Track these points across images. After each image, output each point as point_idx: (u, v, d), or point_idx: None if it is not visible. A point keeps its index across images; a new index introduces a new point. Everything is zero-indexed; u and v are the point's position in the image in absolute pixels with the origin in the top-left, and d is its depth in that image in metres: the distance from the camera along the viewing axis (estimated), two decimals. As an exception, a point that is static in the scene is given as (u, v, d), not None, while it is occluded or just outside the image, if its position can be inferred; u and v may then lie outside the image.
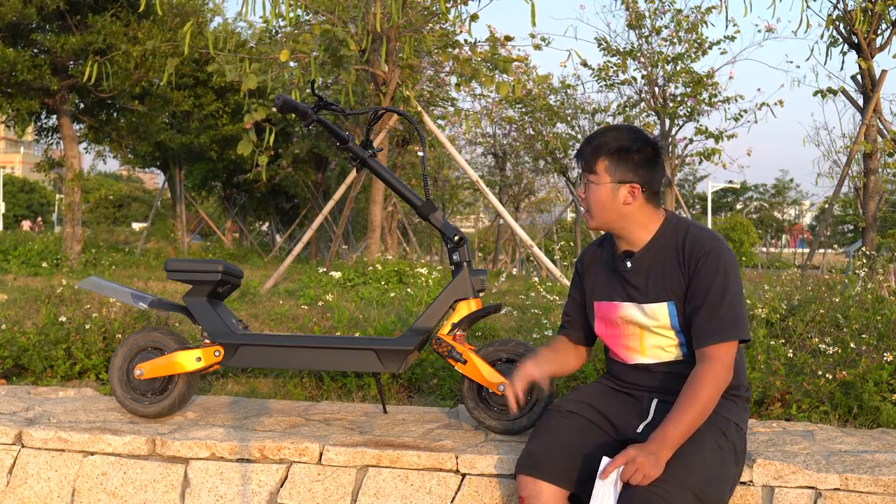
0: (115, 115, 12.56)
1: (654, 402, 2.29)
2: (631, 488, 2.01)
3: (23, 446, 2.86)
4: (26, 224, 32.28)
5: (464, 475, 2.57)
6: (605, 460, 2.08)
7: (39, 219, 39.76)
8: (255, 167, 12.90)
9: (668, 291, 2.24)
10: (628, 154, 2.23)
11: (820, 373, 3.09)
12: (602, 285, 2.39)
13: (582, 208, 2.35)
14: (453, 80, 8.87)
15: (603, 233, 2.43)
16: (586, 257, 2.49)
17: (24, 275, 8.76)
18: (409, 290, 5.92)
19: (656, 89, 10.62)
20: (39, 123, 12.66)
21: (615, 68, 10.73)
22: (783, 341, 3.67)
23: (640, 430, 2.25)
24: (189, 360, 2.91)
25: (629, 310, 2.30)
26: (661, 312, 2.24)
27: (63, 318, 4.05)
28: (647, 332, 2.29)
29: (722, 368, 2.13)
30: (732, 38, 12.01)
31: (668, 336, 2.26)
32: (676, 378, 2.24)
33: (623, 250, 2.32)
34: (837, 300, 4.23)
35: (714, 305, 2.15)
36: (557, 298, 5.72)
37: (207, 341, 2.93)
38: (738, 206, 39.08)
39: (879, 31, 7.53)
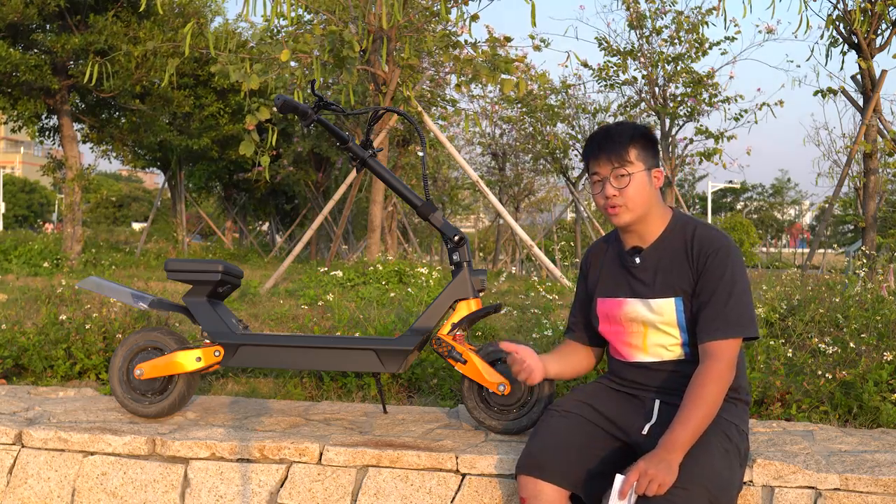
0: (115, 114, 12.57)
1: (657, 402, 2.28)
2: (649, 496, 1.99)
3: (23, 446, 2.86)
4: (49, 226, 32.04)
5: (464, 475, 2.57)
6: (618, 478, 2.03)
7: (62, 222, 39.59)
8: (257, 167, 12.91)
9: (675, 287, 2.24)
10: (651, 139, 2.27)
11: (820, 373, 3.09)
12: (607, 282, 2.38)
13: (606, 205, 2.25)
14: (454, 80, 8.88)
15: (611, 230, 2.43)
16: (591, 255, 2.49)
17: (24, 275, 8.76)
18: (409, 290, 5.92)
19: (656, 89, 10.62)
20: (40, 124, 12.67)
21: (615, 68, 10.73)
22: (783, 341, 3.67)
23: (645, 431, 2.24)
24: (189, 360, 2.91)
25: (634, 306, 2.29)
26: (667, 308, 2.24)
27: (63, 318, 4.04)
28: (651, 330, 2.28)
29: (725, 366, 2.13)
30: (733, 39, 12.02)
31: (672, 334, 2.26)
32: (678, 378, 2.24)
33: (631, 246, 2.32)
34: (837, 300, 4.22)
35: (720, 302, 2.16)
36: (557, 298, 5.73)
37: (207, 341, 2.93)
38: (738, 206, 39.08)
39: (879, 31, 7.53)
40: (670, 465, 2.02)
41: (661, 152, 2.39)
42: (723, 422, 2.19)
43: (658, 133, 10.60)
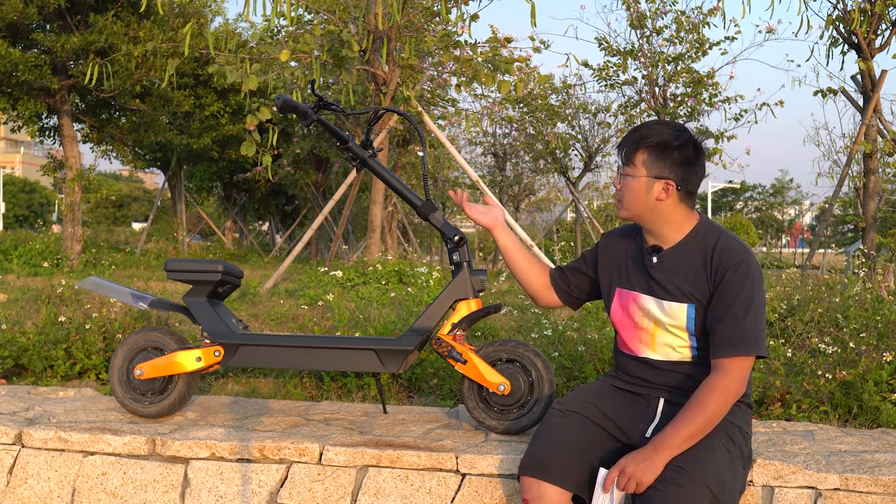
0: (115, 114, 12.58)
1: (661, 402, 2.29)
2: (649, 491, 2.02)
3: (23, 446, 2.86)
4: (55, 227, 32.00)
5: (464, 475, 2.57)
6: (601, 472, 2.10)
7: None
8: (258, 167, 12.91)
9: (689, 294, 2.23)
10: (668, 150, 2.21)
11: (820, 373, 3.09)
12: (625, 273, 2.38)
13: (614, 198, 2.34)
14: (454, 80, 8.88)
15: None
16: (613, 241, 2.47)
17: (24, 275, 8.77)
18: (409, 290, 5.92)
19: (657, 89, 10.62)
20: (41, 123, 12.68)
21: (615, 68, 10.73)
22: (783, 341, 3.67)
23: (648, 433, 2.25)
24: (189, 360, 2.91)
25: (648, 303, 2.29)
26: (679, 313, 2.23)
27: (63, 318, 4.04)
28: (661, 329, 2.28)
29: (735, 381, 2.12)
30: (733, 39, 12.01)
31: (681, 337, 2.26)
32: (685, 379, 2.24)
33: (651, 245, 2.31)
34: (837, 300, 4.23)
35: (737, 318, 2.13)
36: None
37: (207, 341, 2.93)
38: (738, 206, 39.07)
39: (879, 32, 7.53)
40: (653, 464, 2.03)
41: (700, 167, 2.30)
42: (726, 424, 2.18)
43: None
